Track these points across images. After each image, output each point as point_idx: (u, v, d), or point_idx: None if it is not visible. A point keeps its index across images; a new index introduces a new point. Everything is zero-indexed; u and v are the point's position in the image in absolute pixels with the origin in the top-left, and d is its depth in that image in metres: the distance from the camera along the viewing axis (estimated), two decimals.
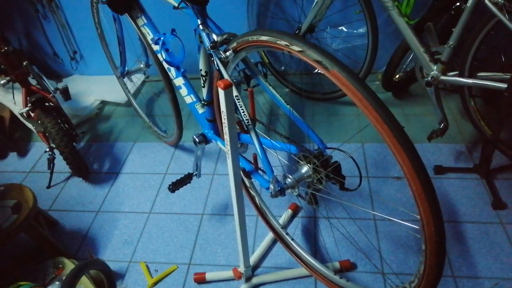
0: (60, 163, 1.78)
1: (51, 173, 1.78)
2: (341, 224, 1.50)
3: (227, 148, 0.99)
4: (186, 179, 1.48)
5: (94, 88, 2.33)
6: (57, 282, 1.26)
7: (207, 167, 1.80)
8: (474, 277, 1.29)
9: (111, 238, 1.54)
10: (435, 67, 1.52)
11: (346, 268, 1.35)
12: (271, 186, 1.00)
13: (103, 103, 2.28)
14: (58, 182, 1.82)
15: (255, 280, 1.33)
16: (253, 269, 1.38)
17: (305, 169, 1.02)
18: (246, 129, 1.02)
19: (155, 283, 1.37)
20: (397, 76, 2.01)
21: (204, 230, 1.55)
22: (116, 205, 1.69)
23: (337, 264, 1.35)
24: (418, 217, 0.72)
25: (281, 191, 1.00)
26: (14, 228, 1.28)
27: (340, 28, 2.13)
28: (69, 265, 1.32)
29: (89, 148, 2.00)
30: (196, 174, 1.51)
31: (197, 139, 1.38)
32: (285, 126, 1.99)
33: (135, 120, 2.13)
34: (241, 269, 1.30)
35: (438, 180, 1.62)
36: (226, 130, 0.95)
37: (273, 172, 1.01)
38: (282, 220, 1.48)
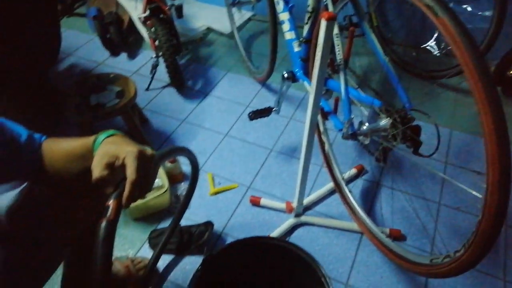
0: (161, 73, 1.97)
1: (152, 77, 1.98)
2: (403, 198, 1.49)
3: (312, 82, 1.02)
4: (265, 112, 1.56)
5: (203, 14, 2.47)
6: None
7: (287, 111, 1.86)
8: None
9: (188, 146, 1.70)
10: None
11: (396, 236, 1.36)
12: (345, 128, 1.03)
13: (209, 29, 2.41)
14: (156, 88, 2.02)
15: (303, 218, 1.40)
16: (304, 210, 1.45)
17: (384, 121, 1.02)
18: (336, 69, 1.04)
19: (216, 193, 1.52)
20: (511, 72, 1.83)
21: (268, 164, 1.64)
22: (199, 120, 1.84)
23: (387, 230, 1.36)
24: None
25: (353, 135, 1.03)
26: (115, 109, 1.48)
27: (464, 6, 1.96)
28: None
29: (188, 66, 2.17)
30: (276, 110, 1.58)
31: (285, 75, 1.43)
32: (374, 82, 1.94)
33: (232, 52, 2.24)
34: (294, 204, 1.37)
35: None
36: (317, 64, 0.98)
37: (350, 115, 1.03)
38: (345, 175, 1.50)
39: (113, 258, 1.28)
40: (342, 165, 1.49)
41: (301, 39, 1.38)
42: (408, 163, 1.62)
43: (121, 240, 1.35)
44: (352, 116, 1.03)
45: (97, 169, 0.64)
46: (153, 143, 1.70)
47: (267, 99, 1.95)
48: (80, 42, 2.34)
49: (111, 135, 0.72)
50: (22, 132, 0.79)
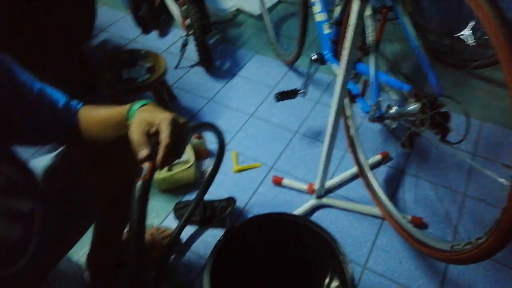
0: (190, 52, 2.00)
1: (181, 56, 2.01)
2: (427, 186, 1.47)
3: (341, 62, 1.02)
4: (292, 93, 1.57)
5: None
6: None
7: (313, 94, 1.86)
8: None
9: None
10: None
11: (417, 224, 1.35)
12: (372, 110, 1.03)
13: (239, 10, 2.41)
14: (184, 66, 2.05)
15: (324, 200, 1.42)
16: (326, 192, 1.46)
17: (412, 106, 1.02)
18: (366, 51, 1.04)
19: (239, 171, 1.55)
20: None
21: (292, 146, 1.65)
22: (226, 100, 1.87)
23: (409, 217, 1.36)
24: None
25: (380, 118, 1.03)
26: (145, 84, 1.52)
27: None
28: None
29: (216, 46, 2.19)
30: (302, 92, 1.58)
31: (314, 57, 1.43)
32: (404, 68, 1.90)
33: (261, 34, 2.24)
34: (316, 186, 1.39)
35: None
36: (347, 44, 0.98)
37: (378, 98, 1.03)
38: (370, 160, 1.50)
39: None
40: (366, 151, 1.49)
41: (331, 20, 1.37)
42: (434, 151, 1.59)
43: (148, 211, 1.40)
44: (380, 99, 1.03)
45: (135, 135, 0.67)
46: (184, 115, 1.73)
47: (293, 82, 1.95)
48: (113, 19, 2.39)
49: (145, 104, 0.75)
50: (60, 98, 0.83)
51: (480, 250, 0.83)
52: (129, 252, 0.63)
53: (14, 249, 0.75)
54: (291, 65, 2.02)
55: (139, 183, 0.63)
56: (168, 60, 1.70)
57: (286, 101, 1.80)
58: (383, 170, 1.55)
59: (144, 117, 0.70)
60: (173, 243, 1.24)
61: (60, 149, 0.94)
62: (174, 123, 0.67)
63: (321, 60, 1.45)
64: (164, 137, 0.65)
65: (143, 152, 0.66)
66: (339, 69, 1.02)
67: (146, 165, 0.64)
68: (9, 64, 0.74)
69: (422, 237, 1.07)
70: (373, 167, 1.54)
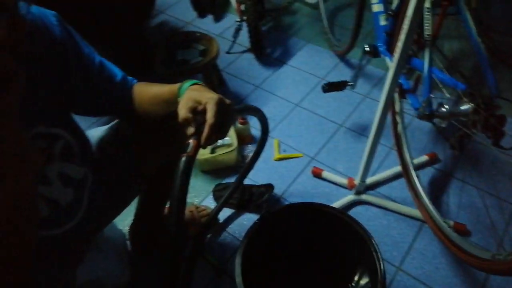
0: (243, 37, 2.02)
1: (234, 41, 2.04)
2: (474, 193, 1.40)
3: (395, 54, 0.98)
4: (341, 85, 1.54)
5: None
6: None
7: (363, 88, 1.82)
8: None
9: None
10: None
11: (459, 230, 1.30)
12: (423, 107, 0.99)
13: None
14: (236, 52, 2.08)
15: (364, 197, 1.40)
16: (366, 189, 1.44)
17: (465, 106, 0.97)
18: (422, 45, 1.00)
19: (280, 159, 1.56)
20: None
21: (336, 139, 1.63)
22: (273, 88, 1.88)
23: (451, 223, 1.31)
24: None
25: (429, 116, 0.99)
26: (197, 66, 1.57)
27: None
28: None
29: (269, 33, 2.19)
30: (351, 85, 1.55)
31: (367, 49, 1.39)
32: (461, 67, 1.81)
33: (315, 23, 2.21)
34: (356, 181, 1.37)
35: None
36: (402, 35, 0.95)
37: (429, 94, 0.99)
38: (416, 160, 1.45)
39: None
40: (413, 151, 1.44)
41: (389, 11, 1.33)
42: (485, 157, 1.51)
43: (189, 189, 1.46)
44: (432, 95, 0.99)
45: (182, 112, 0.71)
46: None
47: (344, 74, 1.92)
48: (172, 1, 2.46)
49: (195, 83, 0.78)
50: (118, 72, 0.88)
51: None
52: (170, 224, 0.67)
53: (65, 211, 0.82)
54: (343, 56, 1.98)
55: (183, 159, 0.66)
56: (221, 45, 1.74)
57: (333, 93, 1.77)
58: (428, 171, 1.50)
59: (193, 95, 0.73)
60: (211, 222, 1.28)
61: (114, 122, 1.00)
62: (220, 103, 0.70)
63: (374, 53, 1.41)
64: (210, 116, 0.68)
65: (189, 129, 0.69)
66: (392, 62, 0.99)
67: (191, 142, 0.68)
68: (76, 37, 0.80)
69: (463, 243, 1.03)
70: (419, 167, 1.49)
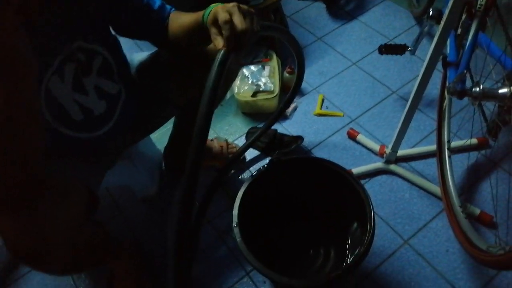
0: None
1: None
2: None
3: (444, 17, 0.89)
4: (398, 49, 1.46)
5: None
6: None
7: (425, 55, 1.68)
8: None
9: (312, 64, 1.75)
10: None
11: (483, 220, 1.23)
12: (454, 82, 0.93)
13: None
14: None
15: (392, 167, 1.37)
16: (397, 160, 1.40)
17: (504, 89, 0.89)
18: (472, 14, 0.91)
19: (319, 115, 1.57)
20: None
21: (384, 104, 1.58)
22: (334, 42, 1.83)
23: (477, 211, 1.24)
24: None
25: (460, 93, 0.93)
26: (258, 7, 1.55)
27: None
28: (275, 58, 1.62)
29: None
30: (411, 50, 1.46)
31: (430, 13, 1.29)
32: None
33: None
34: (388, 149, 1.34)
35: None
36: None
37: (464, 70, 0.92)
38: (458, 143, 1.36)
39: (214, 136, 1.51)
40: (464, 131, 1.34)
41: None
42: None
43: (226, 125, 1.57)
44: (465, 71, 0.92)
45: (211, 27, 0.76)
46: (282, 50, 1.76)
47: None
48: None
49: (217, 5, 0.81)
50: (157, 0, 0.96)
51: (506, 257, 0.75)
52: (200, 113, 0.72)
53: (98, 120, 0.96)
54: (420, 18, 1.83)
55: (222, 51, 0.71)
56: None
57: (395, 58, 1.69)
58: (472, 155, 1.40)
59: (216, 9, 0.77)
60: (236, 158, 1.38)
61: (155, 50, 1.11)
62: (241, 8, 0.74)
63: (438, 18, 1.30)
64: (236, 22, 0.72)
65: (218, 41, 0.74)
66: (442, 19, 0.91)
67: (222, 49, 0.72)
68: None
69: (467, 228, 1.00)
70: (460, 150, 1.39)
